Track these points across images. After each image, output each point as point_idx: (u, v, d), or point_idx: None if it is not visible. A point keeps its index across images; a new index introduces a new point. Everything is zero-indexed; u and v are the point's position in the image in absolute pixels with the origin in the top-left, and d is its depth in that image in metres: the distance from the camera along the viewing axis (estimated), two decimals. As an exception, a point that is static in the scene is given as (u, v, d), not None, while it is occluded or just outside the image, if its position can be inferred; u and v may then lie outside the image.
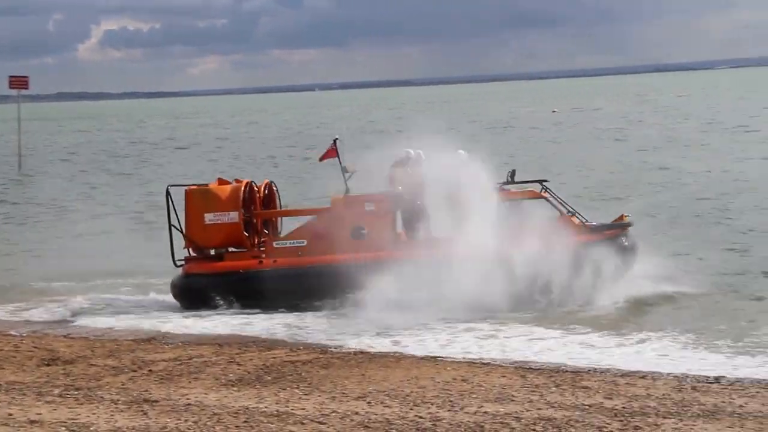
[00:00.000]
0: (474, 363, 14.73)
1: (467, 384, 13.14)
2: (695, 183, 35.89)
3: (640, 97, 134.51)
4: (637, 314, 17.75)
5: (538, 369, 14.15)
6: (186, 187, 19.81)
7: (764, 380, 13.18)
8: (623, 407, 11.77)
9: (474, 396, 12.49)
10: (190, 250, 19.59)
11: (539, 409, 11.78)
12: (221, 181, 19.81)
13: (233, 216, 19.13)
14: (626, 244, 19.20)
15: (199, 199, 19.33)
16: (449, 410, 11.83)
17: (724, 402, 11.91)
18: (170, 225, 19.56)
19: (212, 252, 19.63)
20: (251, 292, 18.90)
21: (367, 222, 19.05)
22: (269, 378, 13.78)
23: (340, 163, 19.73)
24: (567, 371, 13.98)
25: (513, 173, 19.56)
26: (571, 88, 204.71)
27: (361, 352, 15.58)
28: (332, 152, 19.90)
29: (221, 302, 19.00)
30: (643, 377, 13.49)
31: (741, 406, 11.69)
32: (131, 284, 22.15)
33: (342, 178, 19.58)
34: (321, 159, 20.41)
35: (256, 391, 13.05)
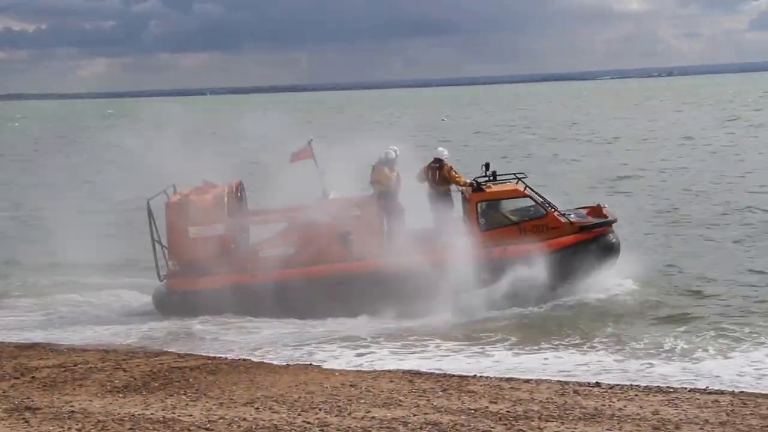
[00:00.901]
0: (362, 369, 14.82)
1: (355, 389, 13.21)
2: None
3: (512, 105, 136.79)
4: (537, 321, 17.89)
5: (426, 374, 14.29)
6: (167, 200, 18.68)
7: (641, 384, 13.58)
8: (508, 411, 11.99)
9: (362, 401, 12.57)
10: (171, 263, 18.80)
11: (426, 413, 11.91)
12: (210, 185, 18.93)
13: (219, 228, 18.34)
14: (614, 240, 19.35)
15: (180, 212, 18.27)
16: (337, 415, 11.88)
17: (604, 405, 12.21)
18: (153, 241, 18.69)
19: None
20: (247, 306, 18.23)
21: (355, 226, 18.59)
22: (156, 384, 13.64)
23: (316, 164, 19.15)
24: (454, 376, 14.14)
25: (488, 165, 19.37)
26: (457, 96, 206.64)
27: (245, 359, 15.54)
28: (306, 153, 19.28)
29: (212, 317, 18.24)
30: (527, 381, 13.75)
31: (620, 409, 12.02)
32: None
33: (319, 179, 19.04)
34: (294, 160, 19.47)
35: (143, 397, 12.90)
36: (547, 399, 12.57)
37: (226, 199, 18.51)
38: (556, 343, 16.27)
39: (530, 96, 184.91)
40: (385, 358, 15.63)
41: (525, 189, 19.16)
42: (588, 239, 19.02)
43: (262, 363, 15.24)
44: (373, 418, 11.76)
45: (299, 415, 11.92)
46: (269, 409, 12.22)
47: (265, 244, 18.91)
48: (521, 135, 68.91)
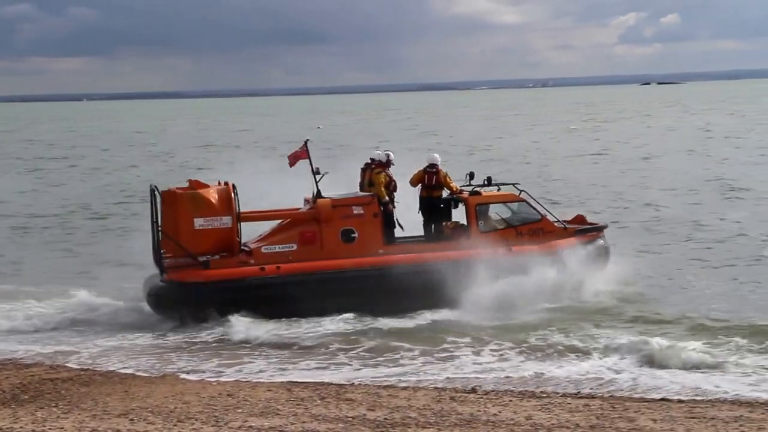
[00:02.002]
0: (240, 379, 14.71)
1: (233, 399, 13.10)
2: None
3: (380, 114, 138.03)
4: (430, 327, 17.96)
5: (304, 383, 14.26)
6: (174, 189, 18.50)
7: (516, 390, 13.82)
8: (385, 418, 12.05)
9: (239, 410, 12.48)
10: (165, 256, 18.31)
11: (303, 422, 11.89)
12: (198, 184, 18.65)
13: (226, 221, 18.21)
14: (606, 245, 20.39)
15: (188, 202, 18.12)
16: (213, 425, 11.77)
17: (479, 411, 12.39)
18: (154, 228, 18.43)
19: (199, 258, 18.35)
20: (256, 302, 17.99)
21: (357, 225, 18.82)
22: (26, 397, 13.27)
23: (311, 165, 19.19)
24: (332, 384, 14.16)
25: (472, 175, 20.28)
26: (335, 105, 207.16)
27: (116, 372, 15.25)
28: (303, 154, 19.32)
29: (216, 314, 17.96)
30: (405, 388, 13.85)
31: (495, 414, 12.21)
32: None
33: (313, 180, 19.10)
34: (293, 162, 19.54)
35: (11, 411, 12.53)
36: (424, 406, 12.68)
37: (233, 194, 18.41)
38: (445, 349, 16.37)
39: (406, 105, 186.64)
40: (266, 368, 15.53)
41: (520, 194, 19.97)
42: (585, 243, 19.94)
43: (137, 374, 15.00)
44: (251, 427, 11.69)
45: (175, 425, 11.76)
46: (144, 420, 12.02)
47: (264, 241, 18.82)
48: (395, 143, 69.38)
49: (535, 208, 19.92)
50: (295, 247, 18.62)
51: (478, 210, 19.47)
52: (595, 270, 19.65)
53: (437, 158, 20.08)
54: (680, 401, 12.91)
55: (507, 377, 14.68)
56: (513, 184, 20.49)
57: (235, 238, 18.42)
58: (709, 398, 13.12)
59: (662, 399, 13.06)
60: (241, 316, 17.78)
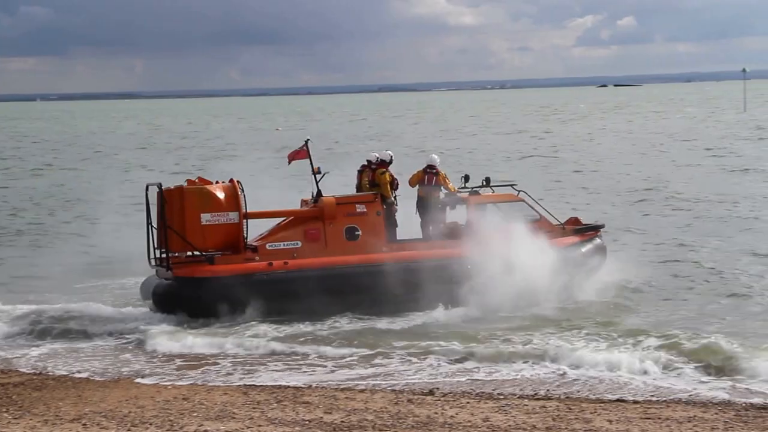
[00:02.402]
0: (197, 383, 14.58)
1: (188, 403, 12.98)
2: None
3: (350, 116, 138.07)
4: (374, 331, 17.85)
5: (261, 386, 14.18)
6: (181, 185, 18.48)
7: (474, 392, 13.82)
8: (342, 421, 12.00)
9: (195, 414, 12.37)
10: (168, 251, 18.31)
11: (259, 425, 11.81)
12: (203, 181, 18.72)
13: (233, 216, 18.25)
14: (603, 244, 20.91)
15: (196, 198, 18.14)
16: (168, 430, 11.65)
17: (436, 413, 12.37)
18: (149, 224, 18.51)
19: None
20: (264, 297, 18.09)
21: (361, 223, 18.96)
22: (-24, 402, 13.07)
23: (311, 164, 19.29)
24: (289, 387, 14.08)
25: (467, 177, 20.42)
26: (295, 106, 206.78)
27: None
28: (303, 153, 19.43)
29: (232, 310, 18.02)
30: (362, 391, 13.81)
31: (452, 416, 12.20)
32: None
33: (313, 179, 19.24)
34: (290, 160, 19.72)
35: (-39, 416, 12.34)
36: (381, 408, 12.65)
37: (240, 191, 18.46)
38: (410, 351, 16.29)
39: (364, 106, 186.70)
40: (224, 372, 15.42)
41: (518, 194, 20.25)
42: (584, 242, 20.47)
43: (90, 378, 14.84)
44: (206, 431, 11.59)
45: (129, 430, 11.64)
46: (97, 425, 11.88)
47: (268, 238, 18.85)
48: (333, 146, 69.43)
49: (533, 208, 20.21)
50: (300, 244, 18.76)
51: (478, 210, 19.74)
52: (594, 268, 20.06)
53: (436, 159, 20.32)
54: (635, 402, 12.97)
55: (465, 379, 14.66)
56: (511, 185, 20.74)
57: (242, 235, 18.48)
58: (664, 399, 13.18)
59: (618, 400, 13.13)
60: (165, 326, 17.62)
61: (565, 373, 14.72)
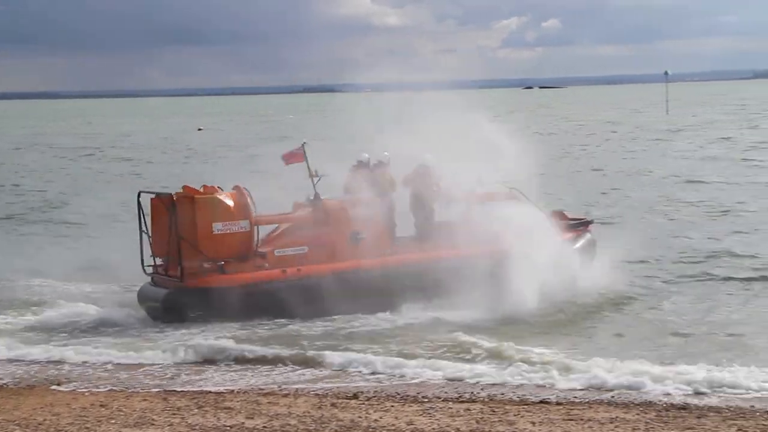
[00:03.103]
0: (115, 389, 14.28)
1: (106, 409, 12.71)
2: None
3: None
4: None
5: (181, 392, 13.94)
6: (191, 194, 18.26)
7: (398, 395, 13.73)
8: (264, 426, 11.84)
9: (113, 421, 12.11)
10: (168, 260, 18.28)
11: (180, 432, 11.62)
12: (207, 188, 18.58)
13: (244, 225, 18.15)
14: (594, 239, 21.28)
15: (208, 207, 18.01)
16: (85, 438, 11.40)
17: (360, 417, 12.27)
18: (141, 232, 18.49)
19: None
20: (280, 304, 18.00)
21: (364, 226, 18.98)
22: None
23: (308, 167, 19.30)
24: (210, 392, 13.86)
25: (480, 178, 20.37)
26: (219, 106, 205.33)
27: None
28: (299, 156, 19.39)
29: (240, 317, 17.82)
30: (285, 395, 13.65)
31: (376, 420, 12.11)
32: None
33: (311, 182, 19.31)
34: (287, 163, 19.60)
35: None
36: (304, 413, 12.51)
37: (249, 198, 18.35)
38: (341, 354, 16.11)
39: (291, 107, 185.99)
40: (146, 377, 15.13)
41: (511, 191, 20.50)
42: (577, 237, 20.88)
43: (4, 385, 14.45)
44: (124, 439, 11.36)
45: (44, 439, 11.36)
46: (11, 434, 11.58)
47: (274, 244, 18.80)
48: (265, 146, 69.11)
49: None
50: (306, 249, 18.74)
51: (475, 209, 19.88)
52: (585, 263, 20.22)
53: (429, 158, 20.33)
54: (558, 404, 13.01)
55: (390, 383, 14.59)
56: (503, 183, 20.93)
57: (252, 242, 18.32)
58: (587, 400, 13.25)
59: (541, 402, 13.16)
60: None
61: (488, 375, 14.73)
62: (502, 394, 13.77)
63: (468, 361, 15.56)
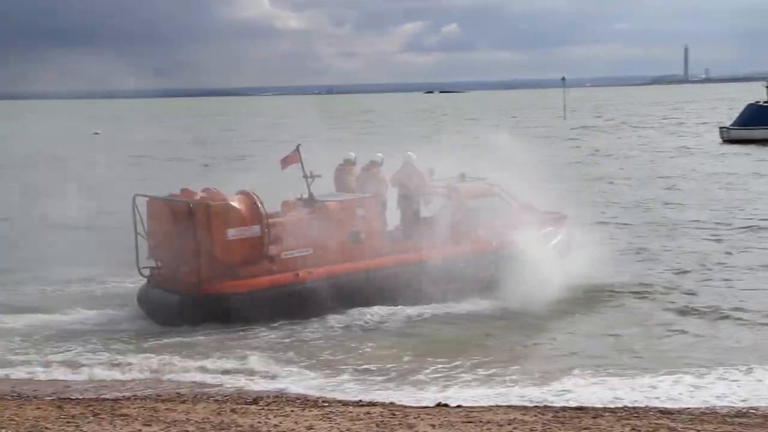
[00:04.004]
0: (6, 396, 13.93)
1: (-6, 419, 12.38)
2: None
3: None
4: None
5: (76, 399, 13.68)
6: (209, 201, 18.20)
7: (298, 400, 13.73)
8: (161, 434, 11.69)
9: (3, 431, 11.79)
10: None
11: (74, 441, 11.39)
12: (212, 193, 18.61)
13: (255, 230, 18.18)
14: (571, 233, 21.76)
15: (223, 215, 18.02)
16: (-25, 448, 11.09)
17: (260, 422, 12.18)
18: (136, 234, 18.53)
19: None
20: (297, 307, 18.35)
21: (362, 226, 19.29)
22: None
23: (303, 169, 19.54)
24: (107, 399, 13.64)
25: (463, 175, 21.26)
26: (115, 110, 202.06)
27: None
28: (295, 158, 19.66)
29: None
30: (184, 401, 13.50)
31: (275, 425, 12.02)
32: None
33: (305, 183, 19.55)
34: (284, 167, 19.85)
35: None
36: (203, 419, 12.36)
37: (259, 202, 18.39)
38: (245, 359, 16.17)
39: (189, 110, 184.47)
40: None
41: (492, 187, 21.11)
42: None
43: None
44: (16, 449, 11.08)
45: (-69, 450, 11.01)
46: None
47: (281, 247, 18.74)
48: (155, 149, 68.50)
49: (507, 200, 21.06)
50: (311, 251, 18.85)
51: (462, 204, 20.45)
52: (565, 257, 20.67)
53: (413, 157, 20.97)
54: (459, 407, 13.13)
55: (290, 387, 14.61)
56: (483, 179, 21.59)
57: (264, 246, 18.36)
58: (487, 404, 13.42)
59: (439, 405, 13.26)
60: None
61: (386, 379, 14.79)
62: (404, 398, 13.88)
63: (365, 362, 15.73)
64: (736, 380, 14.43)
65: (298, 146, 19.90)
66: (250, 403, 13.35)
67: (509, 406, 13.18)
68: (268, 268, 18.50)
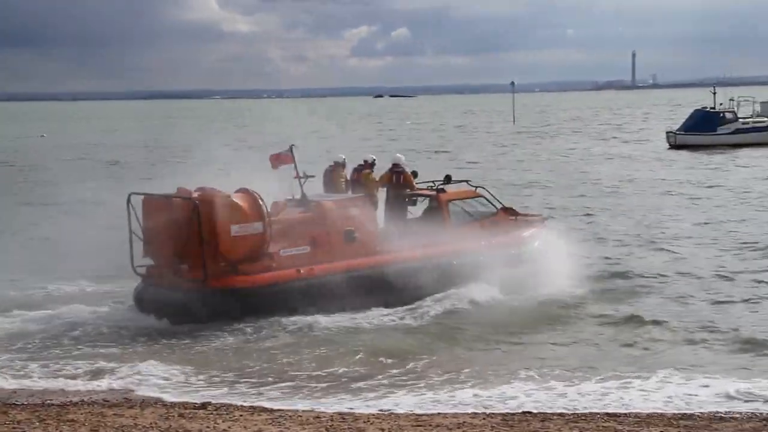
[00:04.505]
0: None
1: (-60, 425, 12.19)
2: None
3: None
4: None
5: (22, 405, 13.49)
6: (214, 198, 18.29)
7: (246, 404, 13.66)
8: (109, 439, 11.59)
9: (-54, 438, 11.63)
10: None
11: (20, 447, 11.24)
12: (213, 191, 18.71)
13: (257, 227, 18.31)
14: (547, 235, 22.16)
15: (226, 210, 18.17)
16: None
17: (209, 427, 12.12)
18: (131, 233, 18.59)
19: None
20: (300, 302, 18.59)
21: (356, 225, 19.50)
22: None
23: (296, 169, 19.80)
24: (53, 405, 13.48)
25: (449, 177, 21.92)
26: (62, 112, 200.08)
27: None
28: (287, 158, 19.88)
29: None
30: (131, 407, 13.37)
31: (224, 430, 11.98)
32: None
33: (298, 183, 19.80)
34: (275, 165, 20.08)
35: None
36: (151, 424, 12.27)
37: (260, 200, 18.55)
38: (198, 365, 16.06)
39: (137, 113, 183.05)
40: None
41: (476, 190, 21.69)
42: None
43: None
44: (-41, 456, 10.92)
45: None
46: None
47: (279, 244, 18.84)
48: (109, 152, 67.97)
49: (491, 202, 21.57)
50: (308, 249, 19.07)
51: (449, 206, 20.88)
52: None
53: (401, 158, 21.48)
54: (408, 412, 13.17)
55: (239, 391, 14.54)
56: (466, 181, 22.21)
57: (264, 244, 18.51)
58: (436, 409, 13.42)
59: (390, 411, 13.28)
60: None
61: (338, 385, 14.79)
62: (352, 407, 13.73)
63: (315, 368, 15.67)
64: (682, 383, 14.59)
65: (291, 147, 20.07)
66: (198, 408, 13.26)
67: (458, 412, 13.21)
68: (267, 264, 18.65)
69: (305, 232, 19.16)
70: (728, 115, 65.34)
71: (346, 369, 15.82)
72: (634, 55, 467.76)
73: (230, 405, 13.55)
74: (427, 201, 21.50)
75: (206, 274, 18.14)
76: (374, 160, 21.43)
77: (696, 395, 14.07)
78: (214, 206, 18.19)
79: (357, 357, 16.39)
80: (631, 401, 13.85)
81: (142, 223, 18.70)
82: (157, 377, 15.34)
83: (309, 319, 18.45)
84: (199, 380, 15.28)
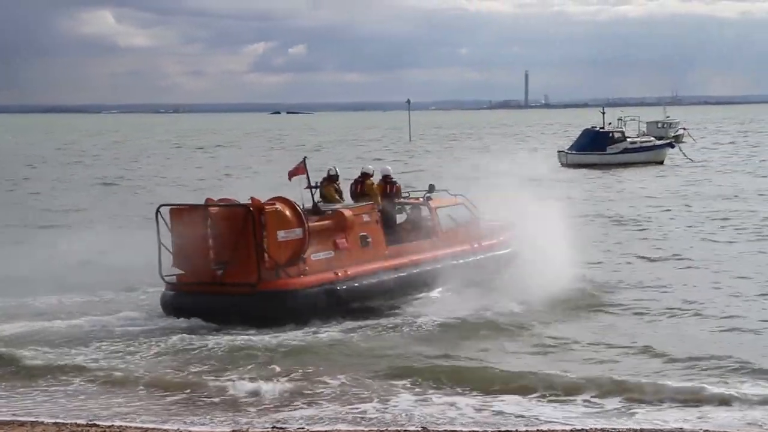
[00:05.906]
0: None
1: None
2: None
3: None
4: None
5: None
6: (264, 206, 19.16)
7: (153, 426, 13.53)
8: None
9: None
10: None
11: None
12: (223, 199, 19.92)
13: (299, 232, 19.20)
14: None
15: (275, 218, 19.04)
16: None
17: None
18: (160, 243, 19.30)
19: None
20: (339, 304, 19.53)
21: (369, 231, 20.65)
22: None
23: (308, 180, 20.87)
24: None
25: (432, 187, 23.04)
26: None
27: None
28: (301, 170, 20.80)
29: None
30: (22, 425, 13.18)
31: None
32: None
33: (310, 194, 20.85)
34: (290, 177, 21.01)
35: None
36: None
37: (299, 208, 19.61)
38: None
39: (30, 127, 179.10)
40: None
41: (456, 197, 23.15)
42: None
43: None
44: None
45: None
46: None
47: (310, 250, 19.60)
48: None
49: (470, 210, 22.89)
50: (332, 253, 19.96)
51: (438, 213, 22.26)
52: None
53: (390, 170, 22.80)
54: (299, 428, 13.09)
55: (129, 409, 14.24)
56: (446, 191, 23.42)
57: (303, 248, 19.34)
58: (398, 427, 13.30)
59: (275, 427, 13.18)
60: None
61: (294, 398, 14.71)
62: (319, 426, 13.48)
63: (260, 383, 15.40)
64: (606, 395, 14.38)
65: (304, 159, 21.09)
66: (89, 426, 13.08)
67: (349, 429, 13.10)
68: (302, 268, 19.43)
69: (329, 238, 20.05)
70: (617, 135, 66.97)
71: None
72: (527, 76, 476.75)
73: (125, 425, 13.24)
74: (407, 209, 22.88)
75: (260, 278, 18.85)
76: (373, 170, 22.32)
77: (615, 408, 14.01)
78: (265, 212, 19.10)
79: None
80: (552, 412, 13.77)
81: (173, 234, 19.32)
82: (47, 394, 14.99)
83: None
84: (90, 396, 14.88)
